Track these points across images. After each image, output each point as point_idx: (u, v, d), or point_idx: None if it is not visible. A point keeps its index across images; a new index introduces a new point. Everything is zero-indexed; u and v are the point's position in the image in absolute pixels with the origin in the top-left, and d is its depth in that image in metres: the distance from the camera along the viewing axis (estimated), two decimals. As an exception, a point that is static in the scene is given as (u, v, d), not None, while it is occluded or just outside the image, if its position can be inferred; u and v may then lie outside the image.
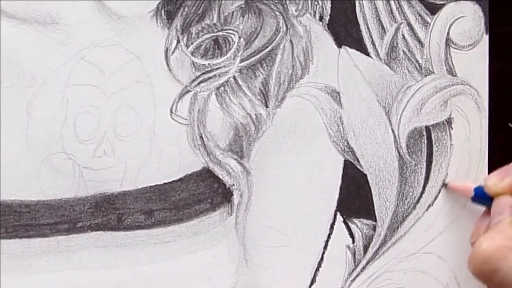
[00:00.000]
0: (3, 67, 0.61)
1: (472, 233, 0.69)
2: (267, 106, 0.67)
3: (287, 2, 0.67)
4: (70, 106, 0.63)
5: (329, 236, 0.69)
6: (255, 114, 0.67)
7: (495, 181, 0.66)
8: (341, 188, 0.69)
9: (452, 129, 0.71)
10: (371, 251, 0.69)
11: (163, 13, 0.64)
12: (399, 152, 0.70)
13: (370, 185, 0.69)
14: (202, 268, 0.66)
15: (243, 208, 0.67)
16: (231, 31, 0.66)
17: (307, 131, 0.68)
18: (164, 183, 0.65)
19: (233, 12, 0.66)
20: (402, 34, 0.69)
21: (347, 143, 0.69)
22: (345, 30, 0.68)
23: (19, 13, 0.61)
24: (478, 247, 0.61)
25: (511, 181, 0.65)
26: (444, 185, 0.70)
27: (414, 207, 0.70)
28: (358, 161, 0.69)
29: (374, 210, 0.69)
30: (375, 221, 0.70)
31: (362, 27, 0.69)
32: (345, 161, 0.69)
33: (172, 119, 0.65)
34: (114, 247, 0.64)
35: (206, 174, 0.66)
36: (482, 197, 0.67)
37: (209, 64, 0.66)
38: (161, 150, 0.65)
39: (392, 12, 0.69)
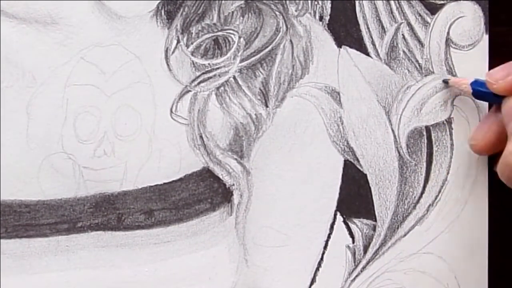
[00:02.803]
0: (3, 67, 0.61)
1: (472, 134, 0.68)
2: (267, 106, 0.67)
3: (287, 2, 0.67)
4: (70, 106, 0.63)
5: (329, 236, 0.69)
6: (255, 114, 0.67)
7: (497, 78, 0.64)
8: (341, 188, 0.69)
9: (452, 129, 0.71)
10: (371, 251, 0.69)
11: (163, 13, 0.64)
12: (399, 152, 0.70)
13: (370, 185, 0.69)
14: (202, 268, 0.66)
15: (243, 208, 0.67)
16: (231, 31, 0.66)
17: (307, 131, 0.68)
18: (164, 183, 0.65)
19: (233, 12, 0.66)
20: (402, 34, 0.69)
21: (347, 143, 0.69)
22: (345, 30, 0.68)
23: (19, 13, 0.61)
24: (507, 155, 0.61)
25: None
26: (444, 81, 0.69)
27: (414, 207, 0.70)
28: (358, 161, 0.69)
29: (374, 210, 0.69)
30: (375, 221, 0.70)
31: (362, 27, 0.69)
32: (345, 161, 0.69)
33: (172, 119, 0.65)
34: (114, 247, 0.64)
35: (206, 174, 0.66)
36: (483, 92, 0.66)
37: (209, 64, 0.66)
38: (161, 150, 0.65)
39: (392, 12, 0.69)
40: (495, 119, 0.67)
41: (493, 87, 0.65)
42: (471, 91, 0.68)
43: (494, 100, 0.67)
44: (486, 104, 0.71)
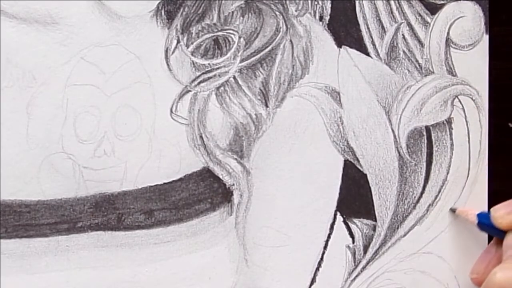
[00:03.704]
0: (3, 67, 0.61)
1: (473, 267, 0.69)
2: (267, 106, 0.67)
3: (287, 2, 0.67)
4: (70, 106, 0.63)
5: (329, 236, 0.69)
6: (255, 114, 0.67)
7: (502, 214, 0.66)
8: (341, 188, 0.69)
9: (452, 129, 0.71)
10: (371, 251, 0.69)
11: (163, 13, 0.64)
12: (399, 152, 0.70)
13: (370, 185, 0.69)
14: (202, 268, 0.66)
15: (243, 208, 0.67)
16: (231, 31, 0.66)
17: (307, 131, 0.68)
18: (164, 183, 0.65)
19: (233, 12, 0.66)
20: (402, 34, 0.69)
21: (347, 143, 0.69)
22: (345, 30, 0.68)
23: (19, 13, 0.61)
24: (492, 278, 0.62)
25: None
26: (452, 210, 0.70)
27: (414, 207, 0.70)
28: (358, 161, 0.69)
29: (374, 210, 0.69)
30: (375, 221, 0.70)
31: (362, 27, 0.69)
32: (345, 161, 0.69)
33: (172, 119, 0.65)
34: (114, 247, 0.64)
35: (206, 174, 0.66)
36: (487, 224, 0.67)
37: (209, 64, 0.66)
38: (161, 150, 0.65)
39: (392, 12, 0.69)
40: (495, 252, 0.68)
41: (498, 222, 0.66)
42: (476, 221, 0.68)
43: (497, 234, 0.67)
44: (486, 104, 0.71)
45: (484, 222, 0.68)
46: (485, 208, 0.71)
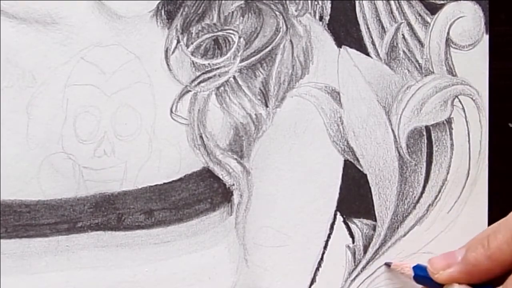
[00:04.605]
0: (3, 67, 0.61)
1: None
2: (267, 106, 0.67)
3: (287, 2, 0.67)
4: (70, 106, 0.63)
5: (329, 236, 0.69)
6: (255, 114, 0.67)
7: (438, 268, 0.64)
8: (341, 188, 0.69)
9: (452, 129, 0.71)
10: (371, 251, 0.69)
11: (163, 13, 0.64)
12: (399, 152, 0.70)
13: (370, 185, 0.69)
14: (202, 268, 0.66)
15: (243, 208, 0.67)
16: (231, 31, 0.66)
17: (307, 131, 0.68)
18: (164, 183, 0.65)
19: (233, 12, 0.66)
20: (402, 34, 0.69)
21: (347, 143, 0.69)
22: (345, 30, 0.68)
23: (19, 13, 0.61)
24: None
25: (457, 270, 0.64)
26: (387, 264, 0.69)
27: (414, 207, 0.70)
28: (358, 161, 0.69)
29: (374, 210, 0.69)
30: (375, 221, 0.70)
31: (362, 27, 0.69)
32: (345, 161, 0.69)
33: (172, 119, 0.65)
34: (114, 247, 0.64)
35: (206, 174, 0.66)
36: (424, 277, 0.66)
37: (209, 64, 0.66)
38: (161, 150, 0.65)
39: (392, 12, 0.69)
40: None
41: (434, 277, 0.65)
42: (412, 274, 0.67)
43: (435, 286, 0.65)
44: (486, 104, 0.71)
45: (420, 275, 0.66)
46: (485, 209, 0.71)
